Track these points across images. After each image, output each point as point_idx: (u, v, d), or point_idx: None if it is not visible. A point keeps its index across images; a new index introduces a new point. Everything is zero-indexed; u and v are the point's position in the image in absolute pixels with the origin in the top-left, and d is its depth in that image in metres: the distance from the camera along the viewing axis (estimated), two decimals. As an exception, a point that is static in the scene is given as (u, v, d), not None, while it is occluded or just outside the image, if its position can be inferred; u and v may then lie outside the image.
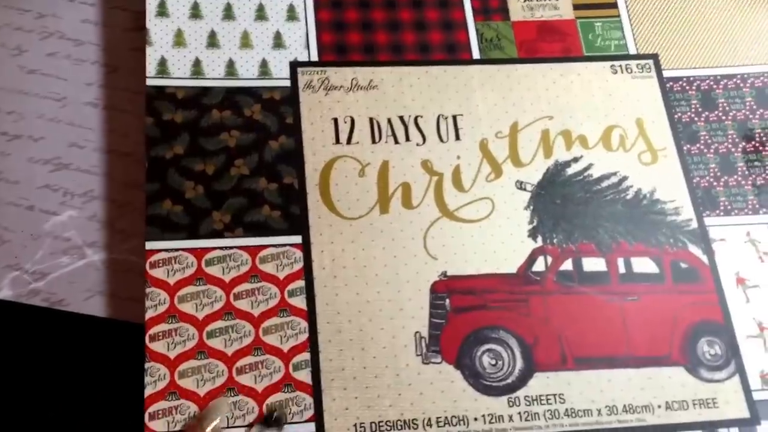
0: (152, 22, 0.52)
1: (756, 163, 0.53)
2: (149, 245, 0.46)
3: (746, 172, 0.52)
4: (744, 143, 0.53)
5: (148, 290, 0.44)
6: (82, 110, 0.52)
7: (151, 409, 0.42)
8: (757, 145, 0.53)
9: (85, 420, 0.44)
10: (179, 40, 0.52)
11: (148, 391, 0.42)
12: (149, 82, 0.50)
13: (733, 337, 0.47)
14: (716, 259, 0.49)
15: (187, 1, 0.53)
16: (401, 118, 0.51)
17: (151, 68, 0.50)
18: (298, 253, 0.47)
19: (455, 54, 0.54)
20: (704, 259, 0.49)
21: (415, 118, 0.51)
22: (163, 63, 0.51)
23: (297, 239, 0.47)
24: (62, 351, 0.45)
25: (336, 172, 0.49)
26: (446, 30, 0.54)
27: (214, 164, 0.48)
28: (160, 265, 0.45)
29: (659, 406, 0.45)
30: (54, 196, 0.49)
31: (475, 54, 0.54)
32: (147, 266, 0.45)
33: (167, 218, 0.46)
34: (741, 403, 0.46)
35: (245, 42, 0.52)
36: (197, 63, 0.51)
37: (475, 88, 0.53)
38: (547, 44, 0.55)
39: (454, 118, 0.52)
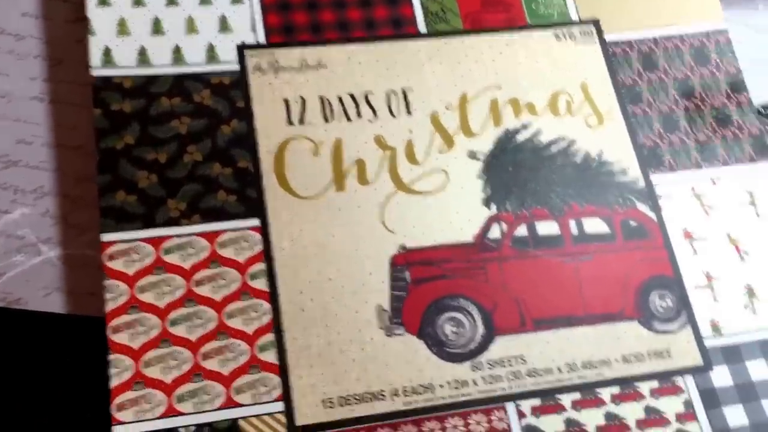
0: (93, 12, 0.50)
1: (697, 120, 0.54)
2: (105, 237, 0.45)
3: (688, 130, 0.53)
4: (685, 101, 0.54)
5: (106, 283, 0.44)
6: (28, 105, 0.51)
7: (117, 400, 0.41)
8: (698, 102, 0.54)
9: (52, 417, 0.43)
10: (122, 29, 0.50)
11: (114, 383, 0.42)
12: (94, 72, 0.49)
13: (683, 289, 0.49)
14: (663, 215, 0.50)
15: (127, -11, 0.52)
16: (352, 95, 0.51)
17: (95, 59, 0.49)
18: (257, 236, 0.46)
19: (401, 29, 0.54)
20: (652, 216, 0.50)
21: (366, 95, 0.51)
22: (107, 53, 0.49)
23: (255, 222, 0.47)
24: (23, 350, 0.45)
25: (290, 153, 0.49)
26: (391, 5, 0.54)
27: (166, 152, 0.48)
28: (118, 256, 0.44)
29: (616, 360, 0.46)
30: (4, 195, 0.48)
31: (421, 28, 0.54)
32: (104, 258, 0.44)
33: (122, 209, 0.46)
34: (694, 351, 0.47)
35: (190, 27, 0.51)
36: (143, 51, 0.50)
37: (423, 62, 0.53)
38: (492, 15, 0.55)
39: (404, 92, 0.51)
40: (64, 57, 0.52)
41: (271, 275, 0.46)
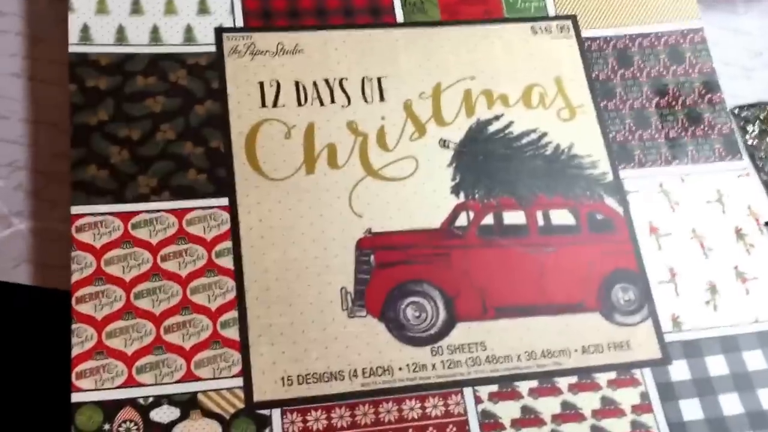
0: (74, -11, 0.50)
1: (669, 117, 0.54)
2: (75, 210, 0.45)
3: (659, 126, 0.53)
4: (658, 98, 0.54)
5: (73, 254, 0.44)
6: (6, 81, 0.50)
7: (78, 369, 0.41)
8: (670, 99, 0.54)
9: (13, 385, 0.43)
10: (102, 7, 0.50)
11: (75, 352, 0.42)
12: (72, 49, 0.49)
13: (646, 283, 0.48)
14: (631, 209, 0.50)
15: (109, -31, 0.52)
16: (326, 81, 0.51)
17: (73, 35, 0.49)
18: (225, 215, 0.46)
19: (379, 17, 0.53)
20: (619, 210, 0.50)
21: (341, 81, 0.51)
22: (85, 30, 0.49)
23: (224, 201, 0.46)
24: (-11, 317, 0.45)
25: (262, 135, 0.49)
26: (370, -6, 0.54)
27: (139, 130, 0.47)
28: (86, 229, 0.44)
29: (575, 350, 0.46)
30: (-21, 167, 0.48)
31: (399, 17, 0.53)
32: (73, 230, 0.44)
33: (93, 183, 0.46)
34: (653, 345, 0.47)
35: (169, 8, 0.51)
36: (121, 30, 0.50)
37: (399, 51, 0.52)
38: (469, 7, 0.55)
39: (379, 80, 0.51)
40: (45, 36, 0.52)
41: (237, 254, 0.45)
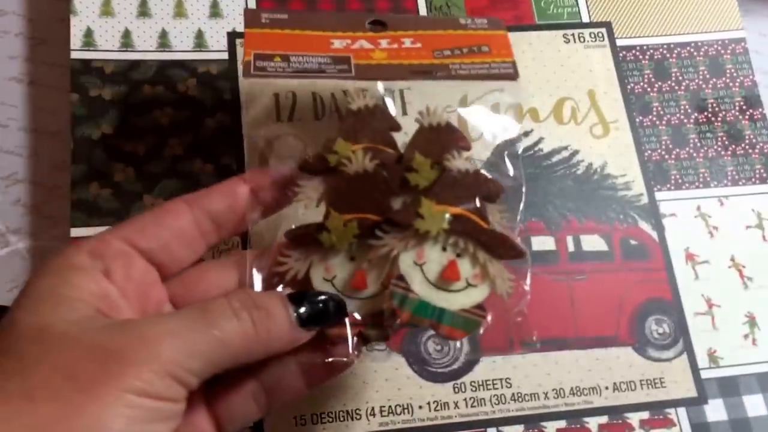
0: (77, -11, 0.46)
1: (708, 135, 0.49)
2: (74, 232, 0.41)
3: (698, 144, 0.49)
4: (696, 114, 0.50)
5: (74, 281, 0.40)
6: (6, 86, 0.46)
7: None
8: (709, 115, 0.50)
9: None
10: (107, 9, 0.46)
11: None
12: (74, 55, 0.44)
13: (681, 315, 0.45)
14: (666, 235, 0.46)
15: (114, -33, 0.47)
16: (345, 92, 0.47)
17: (76, 40, 0.45)
18: (236, 237, 0.42)
19: (402, 23, 0.49)
20: (654, 235, 0.46)
21: (363, 93, 0.47)
22: (89, 34, 0.45)
23: (235, 222, 0.43)
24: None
25: (277, 151, 0.45)
26: (392, -3, 0.49)
27: (145, 144, 0.43)
28: (88, 253, 0.41)
29: (606, 388, 0.42)
30: (-24, 180, 0.44)
31: (423, 23, 0.49)
32: (73, 255, 0.40)
33: (94, 203, 0.42)
34: (689, 382, 0.43)
35: (179, 11, 0.47)
36: (127, 34, 0.46)
37: (423, 60, 0.48)
38: (498, 12, 0.50)
39: (401, 92, 0.47)
40: (47, 37, 0.48)
41: (249, 280, 0.42)
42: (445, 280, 0.33)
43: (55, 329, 0.26)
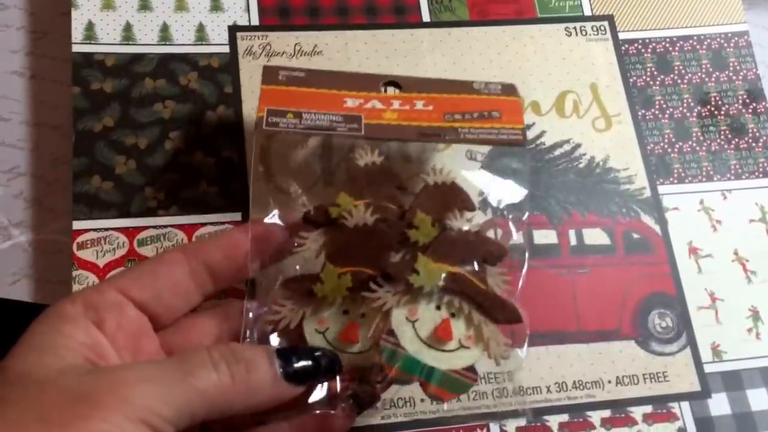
0: (78, -17, 0.45)
1: (711, 128, 0.48)
2: (76, 225, 0.40)
3: (701, 138, 0.48)
4: (699, 107, 0.49)
5: (75, 273, 0.39)
6: (7, 80, 0.46)
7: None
8: (712, 109, 0.49)
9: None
10: (108, 2, 0.45)
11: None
12: (75, 48, 0.44)
13: (684, 309, 0.44)
14: (669, 228, 0.45)
15: (116, -39, 0.46)
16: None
17: (77, 33, 0.44)
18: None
19: (404, 17, 0.48)
20: (657, 229, 0.45)
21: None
22: (90, 27, 0.44)
23: (237, 216, 0.42)
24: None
25: (278, 144, 0.44)
26: (394, -9, 0.48)
27: (146, 137, 0.43)
28: (88, 246, 0.40)
29: (609, 382, 0.41)
30: (-23, 173, 0.44)
31: (425, 16, 0.48)
32: (74, 247, 0.40)
33: (96, 196, 0.41)
34: (692, 376, 0.42)
35: (180, 4, 0.46)
36: (128, 27, 0.45)
37: (425, 53, 0.47)
38: (500, 6, 0.49)
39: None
40: (49, 30, 0.47)
41: (250, 273, 0.41)
42: (438, 338, 0.32)
43: (37, 375, 0.27)
